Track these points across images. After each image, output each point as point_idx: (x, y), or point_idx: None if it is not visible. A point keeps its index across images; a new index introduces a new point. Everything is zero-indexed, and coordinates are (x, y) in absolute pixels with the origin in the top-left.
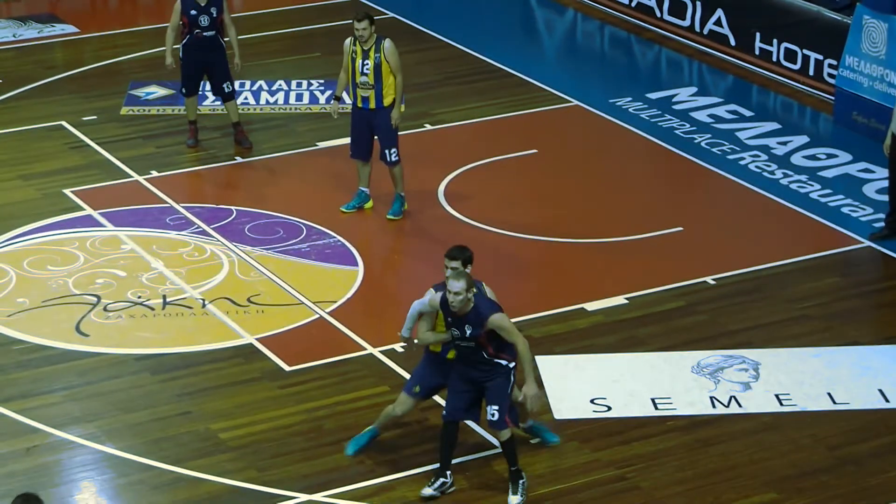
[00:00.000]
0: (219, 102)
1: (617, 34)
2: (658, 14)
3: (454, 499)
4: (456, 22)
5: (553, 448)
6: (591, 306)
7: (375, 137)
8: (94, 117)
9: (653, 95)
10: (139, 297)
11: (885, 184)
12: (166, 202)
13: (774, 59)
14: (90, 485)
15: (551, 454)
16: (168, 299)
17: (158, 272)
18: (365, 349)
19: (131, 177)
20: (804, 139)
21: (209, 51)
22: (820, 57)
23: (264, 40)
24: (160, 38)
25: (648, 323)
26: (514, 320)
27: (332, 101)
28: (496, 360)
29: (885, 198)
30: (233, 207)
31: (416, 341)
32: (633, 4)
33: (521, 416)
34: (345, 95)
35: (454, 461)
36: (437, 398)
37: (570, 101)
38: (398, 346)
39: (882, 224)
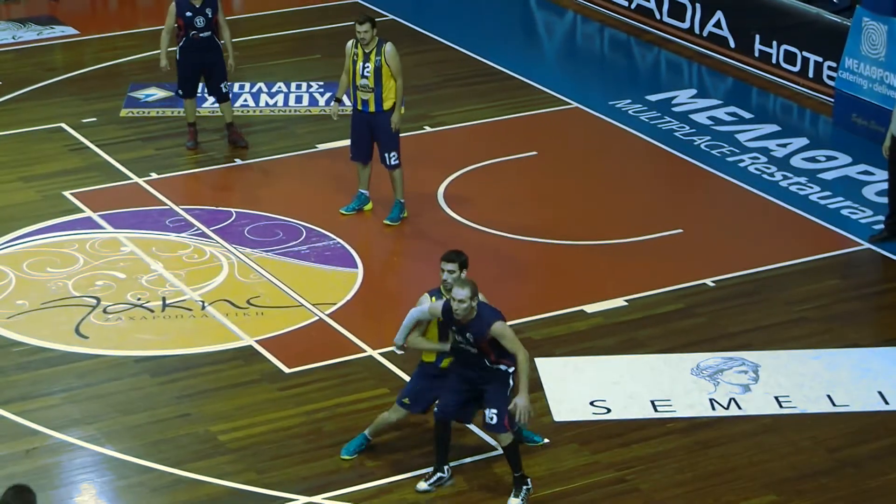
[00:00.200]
0: (218, 105)
1: (616, 36)
2: (657, 16)
3: (455, 500)
4: (455, 24)
5: (552, 450)
6: (590, 308)
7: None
8: (94, 119)
9: (652, 97)
10: (139, 300)
11: (885, 186)
12: (166, 204)
13: (774, 61)
14: (90, 487)
15: (550, 456)
16: (168, 301)
17: (158, 274)
18: (365, 351)
19: (131, 179)
20: (804, 141)
21: (206, 52)
22: (819, 59)
23: (264, 42)
24: (160, 40)
25: (648, 325)
26: (513, 322)
27: (332, 103)
28: (496, 367)
29: (885, 200)
30: (232, 209)
31: (406, 345)
32: (633, 6)
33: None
34: (345, 98)
35: (455, 463)
36: None
37: (570, 104)
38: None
39: (882, 226)
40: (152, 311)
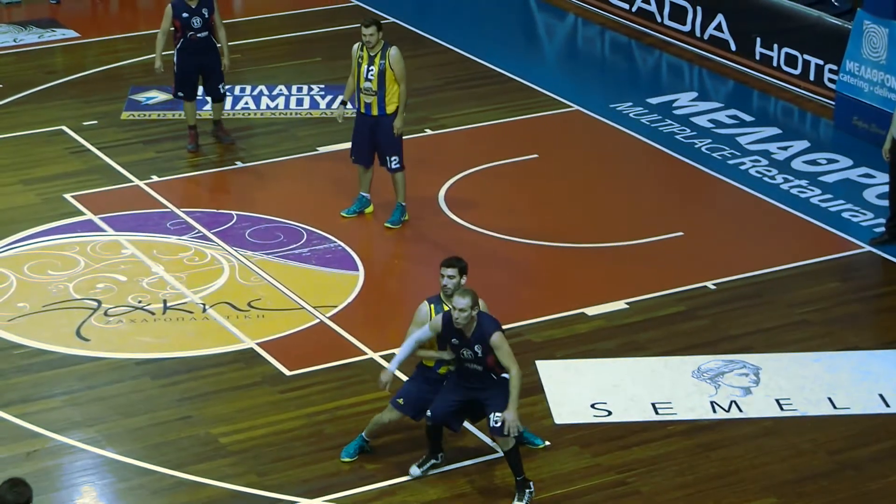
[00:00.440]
0: None
1: (617, 39)
2: (658, 19)
3: (455, 503)
4: (456, 27)
5: (553, 453)
6: (591, 311)
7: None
8: (95, 122)
9: (653, 100)
10: (140, 302)
11: (886, 189)
12: (167, 207)
13: (775, 64)
14: (90, 489)
15: (551, 459)
16: (168, 304)
17: (159, 277)
18: (365, 354)
19: (132, 181)
20: (805, 144)
21: (204, 53)
22: (820, 62)
23: (265, 45)
24: (165, 44)
25: (649, 328)
26: (515, 325)
27: (338, 106)
28: (501, 377)
29: (886, 203)
30: (233, 212)
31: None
32: (634, 9)
33: None
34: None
35: (455, 466)
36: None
37: (571, 106)
38: (397, 351)
39: (882, 229)
40: (153, 313)
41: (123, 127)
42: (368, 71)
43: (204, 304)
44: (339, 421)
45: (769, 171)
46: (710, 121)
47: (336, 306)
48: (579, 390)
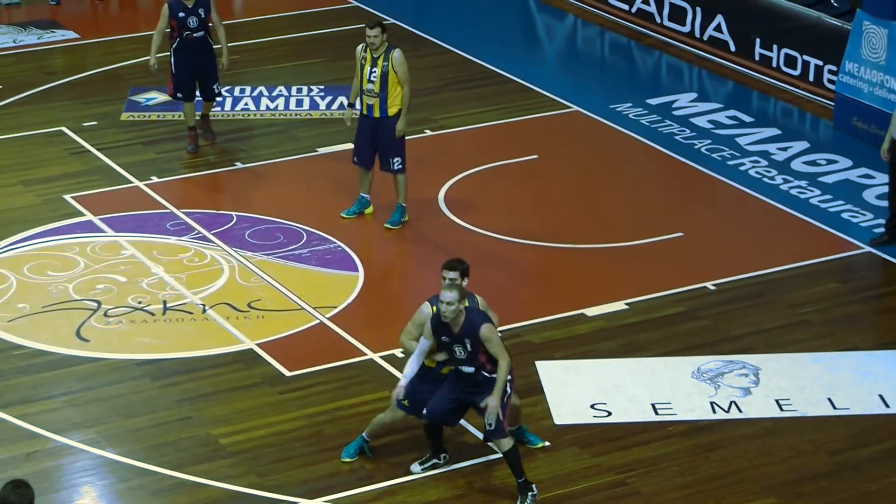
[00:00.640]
0: (218, 108)
1: (617, 40)
2: (658, 20)
3: None
4: (456, 28)
5: (553, 453)
6: (591, 312)
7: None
8: (95, 123)
9: (653, 101)
10: (139, 303)
11: (885, 189)
12: (166, 208)
13: (774, 64)
14: (90, 490)
15: (551, 459)
16: (168, 305)
17: (159, 277)
18: (365, 354)
19: (131, 182)
20: (804, 145)
21: (200, 52)
22: (820, 63)
23: (265, 46)
24: (164, 47)
25: (649, 328)
26: (514, 325)
27: (346, 108)
28: (490, 376)
29: (885, 203)
30: (233, 213)
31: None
32: (634, 10)
33: (510, 422)
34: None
35: (455, 466)
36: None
37: (571, 107)
38: (398, 352)
39: (882, 229)
40: (153, 314)
41: (123, 128)
42: (371, 73)
43: (204, 305)
44: (339, 422)
45: (769, 171)
46: (710, 121)
47: (336, 307)
48: (579, 391)
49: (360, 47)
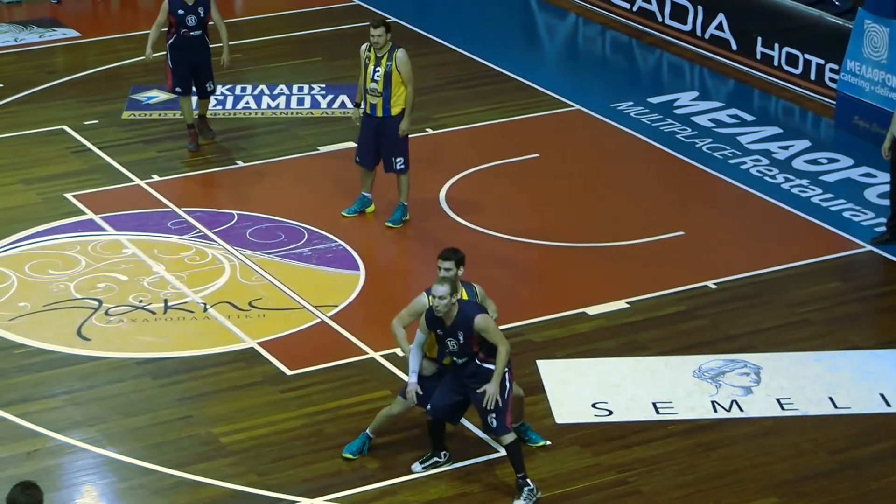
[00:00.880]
0: (220, 107)
1: (618, 38)
2: (659, 18)
3: (457, 502)
4: (457, 27)
5: (554, 452)
6: (592, 310)
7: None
8: (96, 122)
9: (654, 100)
10: (140, 302)
11: (887, 188)
12: (167, 206)
13: (776, 63)
14: (91, 489)
15: (552, 458)
16: (169, 303)
17: (160, 276)
18: (366, 353)
19: (133, 181)
20: (805, 143)
21: (196, 51)
22: (821, 61)
23: (266, 45)
24: (160, 42)
25: (650, 327)
26: (515, 324)
27: (353, 108)
28: (486, 366)
29: (887, 202)
30: (234, 212)
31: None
32: (635, 9)
33: (515, 418)
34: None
35: (458, 465)
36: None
37: (572, 106)
38: (398, 351)
39: (883, 228)
40: (154, 313)
41: (124, 126)
42: (375, 72)
43: (205, 304)
44: (339, 420)
45: (770, 170)
46: (711, 120)
47: (337, 306)
48: (580, 390)
49: (364, 46)
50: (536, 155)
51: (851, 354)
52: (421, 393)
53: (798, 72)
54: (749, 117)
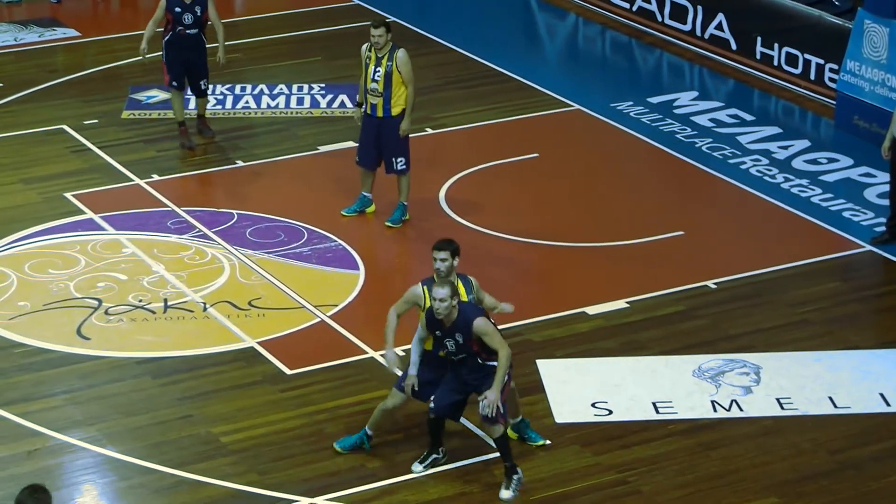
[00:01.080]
0: (219, 106)
1: (618, 38)
2: (659, 18)
3: (457, 502)
4: (457, 26)
5: (554, 452)
6: (592, 310)
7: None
8: (96, 121)
9: (654, 100)
10: (140, 301)
11: (886, 188)
12: (167, 206)
13: (775, 63)
14: (91, 488)
15: (552, 458)
16: (169, 303)
17: (159, 276)
18: (366, 353)
19: (132, 180)
20: (805, 143)
21: (191, 49)
22: (821, 61)
23: (265, 44)
24: (160, 42)
25: (649, 327)
26: (515, 324)
27: (355, 107)
28: (489, 364)
29: (886, 202)
30: (234, 211)
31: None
32: (635, 9)
33: (509, 412)
34: None
35: (458, 464)
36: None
37: (572, 106)
38: (399, 350)
39: (883, 228)
40: (154, 312)
41: (124, 126)
42: (375, 72)
43: (204, 303)
44: (339, 420)
45: (770, 170)
46: (711, 120)
47: (336, 305)
48: (580, 389)
49: (364, 46)
50: (536, 155)
51: (851, 354)
52: (417, 389)
53: (798, 72)
54: (749, 117)
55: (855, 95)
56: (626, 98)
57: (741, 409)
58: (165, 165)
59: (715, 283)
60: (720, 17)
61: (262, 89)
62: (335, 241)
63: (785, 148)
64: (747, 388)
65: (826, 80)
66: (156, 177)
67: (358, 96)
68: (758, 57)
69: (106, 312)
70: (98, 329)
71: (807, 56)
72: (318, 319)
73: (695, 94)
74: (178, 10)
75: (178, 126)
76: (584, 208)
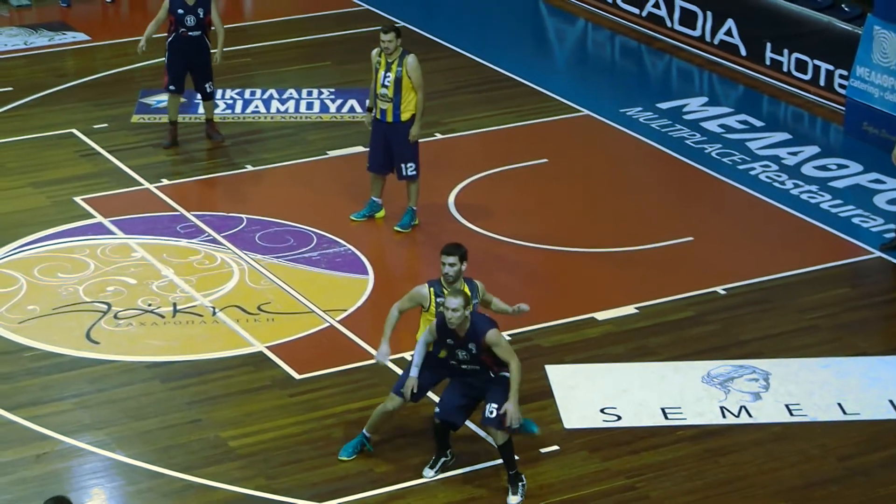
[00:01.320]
0: (229, 111)
1: (627, 44)
2: (669, 24)
3: None
4: (467, 31)
5: (562, 457)
6: (601, 316)
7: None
8: (105, 125)
9: (663, 105)
10: (149, 305)
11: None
12: (177, 210)
13: (785, 69)
14: (100, 492)
15: (561, 463)
16: (178, 307)
17: (169, 280)
18: (375, 358)
19: (142, 185)
20: (815, 149)
21: (194, 51)
22: (831, 67)
23: (275, 49)
24: (164, 44)
25: (658, 333)
26: (524, 329)
27: (365, 112)
28: (500, 375)
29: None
30: (243, 216)
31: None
32: (644, 14)
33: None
34: None
35: (466, 470)
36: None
37: (581, 111)
38: (407, 355)
39: (892, 234)
40: (163, 316)
41: (133, 130)
42: (385, 77)
43: (214, 308)
44: (347, 425)
45: (779, 176)
46: (720, 126)
47: (346, 310)
48: (588, 395)
49: (375, 51)
50: (545, 160)
51: (860, 360)
52: (411, 388)
53: (807, 77)
54: (758, 123)
55: (864, 101)
56: (636, 103)
57: (750, 416)
58: (175, 170)
59: (724, 289)
60: (730, 22)
61: (271, 94)
62: (344, 245)
63: (794, 154)
64: (756, 395)
65: (836, 85)
66: (165, 181)
67: (368, 101)
68: (767, 63)
69: (115, 316)
70: (107, 333)
71: (816, 62)
72: (328, 324)
73: (704, 99)
74: (180, 11)
75: (168, 124)
76: (593, 213)
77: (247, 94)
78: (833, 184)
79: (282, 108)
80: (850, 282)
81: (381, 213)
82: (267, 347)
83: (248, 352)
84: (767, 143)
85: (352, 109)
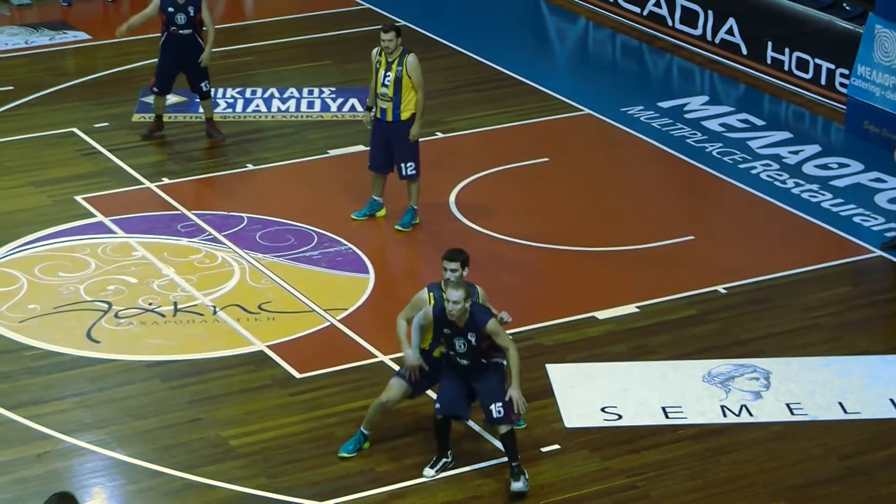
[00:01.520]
0: (230, 110)
1: (628, 43)
2: (670, 23)
3: None
4: (467, 30)
5: (563, 456)
6: (602, 315)
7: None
8: (106, 124)
9: (664, 104)
10: (150, 304)
11: None
12: (177, 209)
13: (786, 68)
14: (101, 491)
15: (561, 462)
16: (179, 306)
17: (169, 279)
18: (376, 357)
19: (142, 184)
20: (816, 148)
21: (186, 50)
22: (832, 66)
23: (276, 48)
24: (137, 22)
25: (659, 332)
26: (525, 328)
27: (365, 111)
28: (492, 361)
29: None
30: (244, 215)
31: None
32: (645, 13)
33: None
34: None
35: (470, 468)
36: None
37: (582, 110)
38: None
39: (893, 233)
40: (164, 315)
41: (134, 129)
42: (385, 76)
43: (214, 307)
44: (348, 424)
45: (780, 175)
46: (722, 125)
47: (346, 309)
48: (589, 394)
49: (375, 51)
50: (546, 159)
51: (861, 359)
52: (413, 367)
53: (808, 76)
54: (759, 122)
55: (865, 100)
56: (637, 102)
57: (751, 415)
58: (175, 169)
59: (725, 288)
60: (731, 21)
61: (272, 93)
62: (345, 244)
63: (795, 153)
64: (757, 394)
65: (837, 84)
66: (166, 180)
67: (368, 100)
68: (768, 61)
69: (116, 316)
70: (108, 332)
71: (817, 61)
72: (328, 323)
73: (705, 98)
74: (171, 10)
75: (154, 118)
76: (594, 212)
77: (247, 93)
78: (834, 183)
79: (282, 107)
80: (850, 281)
81: (382, 213)
82: (267, 346)
83: (248, 351)
84: (768, 141)
85: (353, 108)
